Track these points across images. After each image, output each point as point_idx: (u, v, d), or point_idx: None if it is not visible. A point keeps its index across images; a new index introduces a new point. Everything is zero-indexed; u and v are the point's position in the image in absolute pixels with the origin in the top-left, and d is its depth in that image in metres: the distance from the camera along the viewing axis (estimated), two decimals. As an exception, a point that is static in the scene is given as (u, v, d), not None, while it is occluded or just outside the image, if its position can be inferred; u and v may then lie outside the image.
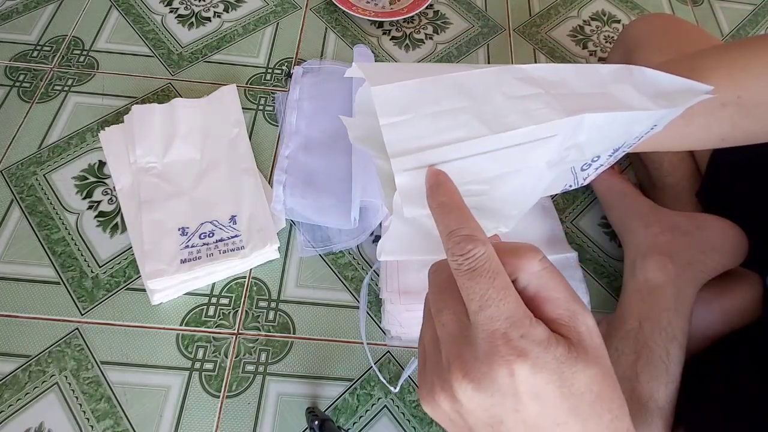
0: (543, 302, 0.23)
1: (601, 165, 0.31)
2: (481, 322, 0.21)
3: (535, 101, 0.26)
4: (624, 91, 0.28)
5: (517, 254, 0.23)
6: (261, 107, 0.81)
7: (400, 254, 0.31)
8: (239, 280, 0.66)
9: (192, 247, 0.65)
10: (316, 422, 0.54)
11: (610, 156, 0.31)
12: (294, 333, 0.63)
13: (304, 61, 0.85)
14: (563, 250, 0.67)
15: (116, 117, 0.77)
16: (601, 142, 0.29)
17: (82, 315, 0.62)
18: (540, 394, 0.21)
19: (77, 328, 0.62)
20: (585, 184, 0.32)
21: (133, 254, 0.66)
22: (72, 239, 0.67)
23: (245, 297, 0.65)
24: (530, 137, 0.26)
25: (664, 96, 0.29)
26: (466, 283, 0.22)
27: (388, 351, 0.63)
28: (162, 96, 0.80)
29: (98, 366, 0.60)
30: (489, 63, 0.90)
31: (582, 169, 0.31)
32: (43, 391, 0.58)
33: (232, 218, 0.67)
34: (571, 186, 0.32)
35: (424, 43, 0.91)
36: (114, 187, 0.71)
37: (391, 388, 0.60)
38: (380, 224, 0.68)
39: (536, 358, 0.20)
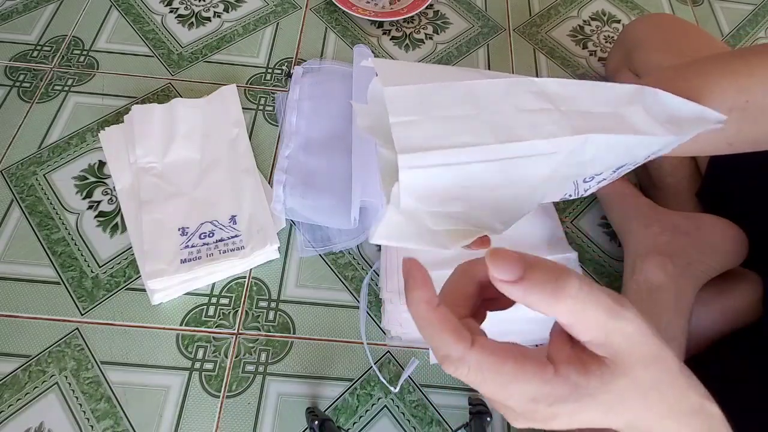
0: (573, 331, 0.23)
1: (604, 179, 0.32)
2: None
3: (543, 116, 0.27)
4: (635, 114, 0.29)
5: (545, 303, 0.22)
6: (261, 107, 0.81)
7: (393, 241, 0.31)
8: (239, 280, 0.66)
9: (192, 247, 0.65)
10: (316, 422, 0.54)
11: (614, 172, 0.31)
12: (294, 333, 0.63)
13: (304, 61, 0.85)
14: (563, 250, 0.67)
15: (116, 117, 0.77)
16: (606, 160, 0.29)
17: (82, 315, 0.62)
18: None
19: (77, 328, 0.62)
20: (585, 195, 0.33)
21: (133, 254, 0.66)
22: (72, 239, 0.67)
23: (245, 297, 0.65)
24: (533, 151, 0.26)
25: (675, 121, 0.29)
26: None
27: (388, 351, 0.63)
28: (162, 96, 0.80)
29: (98, 366, 0.60)
30: (489, 63, 0.90)
31: (584, 181, 0.31)
32: (43, 391, 0.58)
33: (232, 218, 0.67)
34: (570, 196, 0.33)
35: (424, 43, 0.91)
36: (114, 187, 0.71)
37: (391, 388, 0.60)
38: (380, 224, 0.68)
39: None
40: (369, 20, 0.92)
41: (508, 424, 0.59)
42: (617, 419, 0.23)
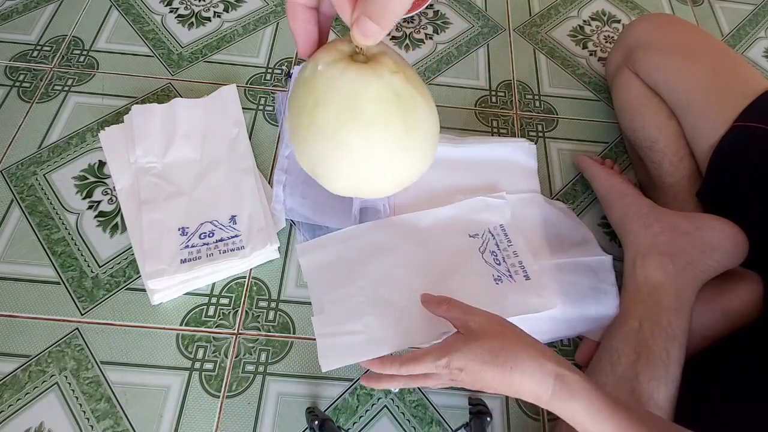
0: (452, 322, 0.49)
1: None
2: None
3: None
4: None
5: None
6: (261, 107, 0.81)
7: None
8: (239, 280, 0.66)
9: (192, 247, 0.65)
10: (316, 422, 0.54)
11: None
12: (294, 333, 0.63)
13: (304, 61, 0.85)
14: (595, 252, 0.67)
15: (116, 117, 0.77)
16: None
17: (82, 315, 0.62)
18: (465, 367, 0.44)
19: (77, 328, 0.62)
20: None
21: (133, 254, 0.66)
22: (72, 239, 0.67)
23: (245, 297, 0.65)
24: None
25: None
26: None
27: (388, 351, 0.63)
28: (162, 96, 0.80)
29: (98, 366, 0.60)
30: (489, 63, 0.90)
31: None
32: (43, 391, 0.58)
33: (232, 218, 0.67)
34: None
35: (424, 43, 0.91)
36: (114, 187, 0.71)
37: (391, 389, 0.60)
38: (380, 224, 0.68)
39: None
40: (369, 20, 0.92)
41: (508, 424, 0.59)
42: (493, 378, 0.42)
